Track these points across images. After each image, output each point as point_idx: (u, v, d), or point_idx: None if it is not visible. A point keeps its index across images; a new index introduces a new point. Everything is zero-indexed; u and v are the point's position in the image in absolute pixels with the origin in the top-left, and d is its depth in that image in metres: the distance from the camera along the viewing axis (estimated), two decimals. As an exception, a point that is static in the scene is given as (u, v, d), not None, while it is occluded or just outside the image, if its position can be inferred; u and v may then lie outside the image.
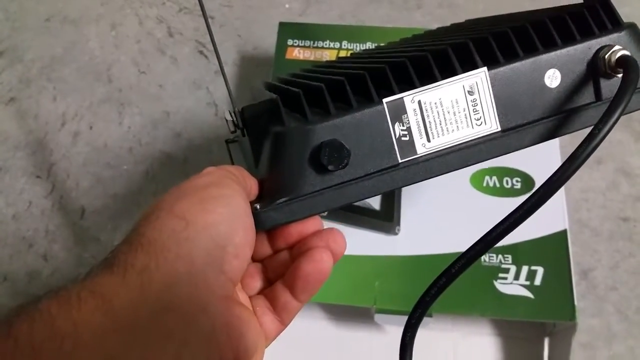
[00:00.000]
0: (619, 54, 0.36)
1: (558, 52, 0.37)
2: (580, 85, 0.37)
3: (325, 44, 0.70)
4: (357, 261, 0.56)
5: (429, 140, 0.36)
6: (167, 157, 0.71)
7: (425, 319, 0.53)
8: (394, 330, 0.57)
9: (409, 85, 0.35)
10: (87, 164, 0.71)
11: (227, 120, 0.41)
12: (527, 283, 0.55)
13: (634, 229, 0.66)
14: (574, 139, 0.35)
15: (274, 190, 0.36)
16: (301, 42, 0.71)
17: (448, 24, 0.66)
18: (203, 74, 0.78)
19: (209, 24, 0.43)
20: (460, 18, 0.79)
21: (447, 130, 0.36)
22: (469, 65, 0.36)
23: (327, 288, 0.54)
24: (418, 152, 0.36)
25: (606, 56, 0.36)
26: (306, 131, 0.35)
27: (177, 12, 0.83)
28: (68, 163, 0.72)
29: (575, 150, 0.32)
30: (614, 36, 0.37)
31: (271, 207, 0.34)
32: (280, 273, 0.34)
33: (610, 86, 0.37)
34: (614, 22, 0.38)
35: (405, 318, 0.53)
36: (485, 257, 0.56)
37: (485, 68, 0.36)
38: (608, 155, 0.70)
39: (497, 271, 0.55)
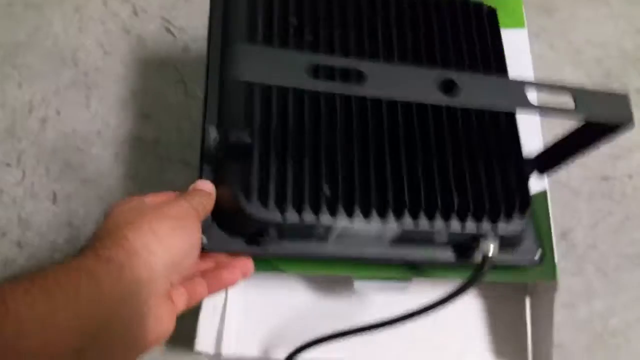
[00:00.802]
0: (485, 252, 0.46)
1: (455, 225, 0.47)
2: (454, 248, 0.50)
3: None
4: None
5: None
6: (137, 139, 0.70)
7: (404, 284, 0.53)
8: (374, 296, 0.56)
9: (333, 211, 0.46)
10: (57, 150, 0.70)
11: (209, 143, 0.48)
12: (508, 245, 0.55)
13: (613, 187, 0.66)
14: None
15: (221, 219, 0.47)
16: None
17: None
18: (170, 51, 0.76)
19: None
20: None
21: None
22: (384, 212, 0.46)
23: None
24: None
25: (481, 246, 0.47)
26: (260, 217, 0.45)
27: (141, -11, 0.81)
28: (37, 150, 0.70)
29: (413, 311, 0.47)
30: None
31: (211, 243, 0.46)
32: (200, 270, 0.45)
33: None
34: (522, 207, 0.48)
35: (384, 284, 0.53)
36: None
37: (399, 226, 0.47)
38: (585, 115, 0.70)
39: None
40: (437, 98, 0.36)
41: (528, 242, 0.51)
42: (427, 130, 0.50)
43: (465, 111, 0.51)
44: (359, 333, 0.49)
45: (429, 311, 0.47)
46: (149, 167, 0.68)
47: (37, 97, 0.73)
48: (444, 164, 0.48)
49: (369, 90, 0.36)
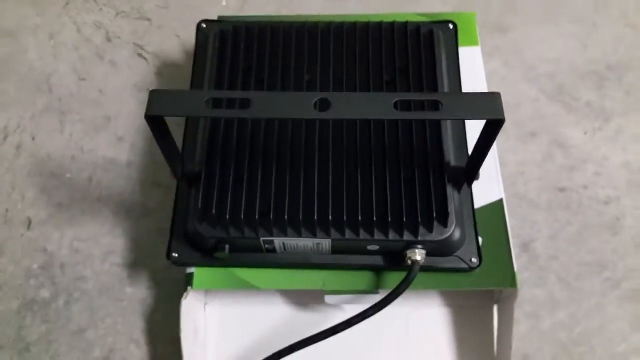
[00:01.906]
0: (412, 259, 0.53)
1: (384, 242, 0.53)
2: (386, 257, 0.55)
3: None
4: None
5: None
6: (110, 163, 0.71)
7: (373, 297, 0.55)
8: (347, 308, 0.59)
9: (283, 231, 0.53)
10: (32, 175, 0.71)
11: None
12: (468, 254, 0.57)
13: (570, 198, 0.68)
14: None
15: (187, 238, 0.56)
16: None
17: (382, 12, 0.69)
18: (144, 76, 0.78)
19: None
20: (392, 6, 0.81)
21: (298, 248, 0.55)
22: (313, 229, 0.53)
23: (280, 275, 0.56)
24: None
25: (408, 254, 0.53)
26: (208, 235, 0.54)
27: (114, 16, 0.83)
28: (12, 176, 0.71)
29: (352, 318, 0.52)
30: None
31: (180, 257, 0.56)
32: None
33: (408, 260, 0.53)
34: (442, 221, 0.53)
35: (354, 297, 0.56)
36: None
37: (330, 240, 0.53)
38: (542, 128, 0.72)
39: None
40: (314, 115, 0.43)
41: (466, 247, 0.55)
42: (355, 149, 0.55)
43: (391, 130, 0.56)
44: (296, 350, 0.53)
45: (367, 317, 0.52)
46: (122, 190, 0.69)
47: (13, 123, 0.75)
48: (368, 180, 0.54)
49: (254, 113, 0.43)
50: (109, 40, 0.81)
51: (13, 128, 0.74)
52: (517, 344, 0.56)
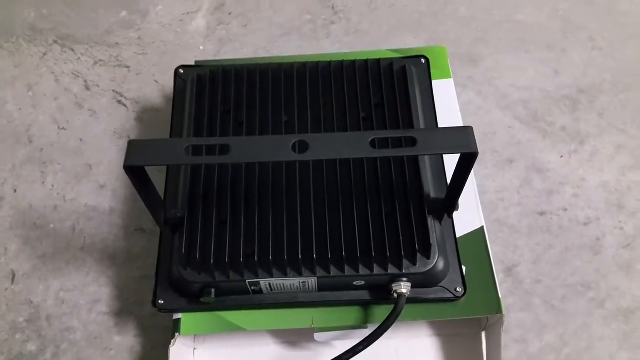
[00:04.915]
0: (398, 292, 0.53)
1: (370, 277, 0.54)
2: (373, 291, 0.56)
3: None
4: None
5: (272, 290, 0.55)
6: (93, 210, 0.71)
7: (362, 331, 0.56)
8: (337, 344, 0.59)
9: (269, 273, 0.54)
10: (14, 228, 0.71)
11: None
12: (452, 283, 0.58)
13: (550, 221, 0.69)
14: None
15: (172, 283, 0.56)
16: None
17: (356, 50, 0.69)
18: (123, 122, 0.78)
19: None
20: (367, 43, 0.83)
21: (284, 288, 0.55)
22: (309, 268, 0.53)
23: (268, 316, 0.57)
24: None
25: (394, 287, 0.53)
26: (193, 280, 0.54)
27: (92, 65, 0.84)
28: (-5, 229, 0.71)
29: (342, 354, 0.51)
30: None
31: (165, 304, 0.56)
32: None
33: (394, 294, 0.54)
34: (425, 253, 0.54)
35: (343, 333, 0.56)
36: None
37: (315, 277, 0.54)
38: (519, 154, 0.74)
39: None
40: (293, 157, 0.44)
41: (451, 277, 0.56)
42: (335, 186, 0.56)
43: (370, 166, 0.57)
44: None
45: (357, 352, 0.51)
46: (105, 237, 0.69)
47: (-7, 176, 0.75)
48: (350, 217, 0.55)
49: (233, 158, 0.44)
50: (87, 88, 0.82)
51: (-6, 181, 0.75)
52: (507, 370, 0.56)
